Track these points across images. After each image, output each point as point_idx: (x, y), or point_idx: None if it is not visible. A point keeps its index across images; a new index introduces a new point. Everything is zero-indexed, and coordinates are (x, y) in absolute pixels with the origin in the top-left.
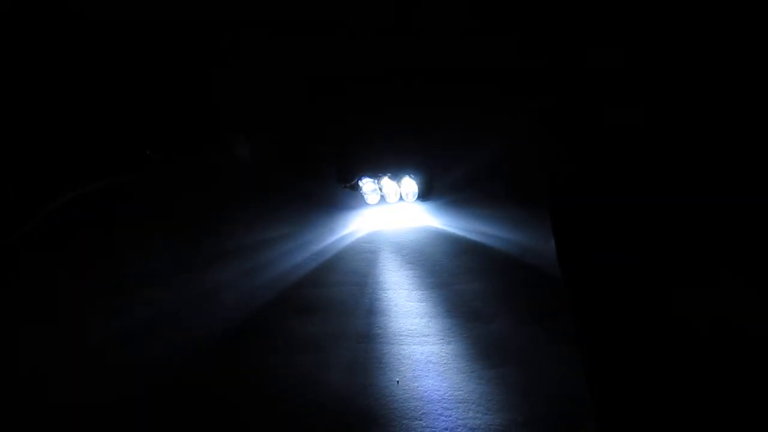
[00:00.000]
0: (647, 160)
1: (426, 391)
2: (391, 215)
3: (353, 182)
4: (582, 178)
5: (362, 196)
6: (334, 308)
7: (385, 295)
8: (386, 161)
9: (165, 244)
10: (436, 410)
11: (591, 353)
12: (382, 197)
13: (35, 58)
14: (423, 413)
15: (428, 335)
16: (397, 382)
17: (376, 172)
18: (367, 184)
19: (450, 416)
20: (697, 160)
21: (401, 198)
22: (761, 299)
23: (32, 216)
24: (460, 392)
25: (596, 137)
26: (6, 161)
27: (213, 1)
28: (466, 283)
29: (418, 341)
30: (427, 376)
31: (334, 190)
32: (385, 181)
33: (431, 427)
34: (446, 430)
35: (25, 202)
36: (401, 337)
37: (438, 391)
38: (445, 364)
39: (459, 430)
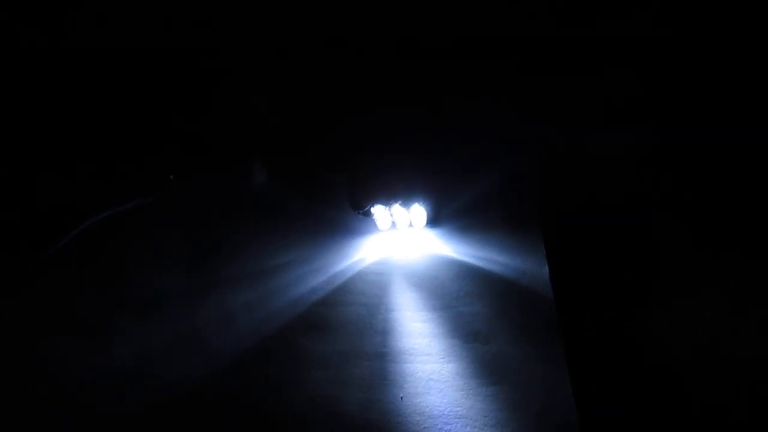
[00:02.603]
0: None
1: (428, 407)
2: (401, 241)
3: (366, 209)
4: (573, 200)
5: (374, 222)
6: (344, 328)
7: (391, 316)
8: (397, 189)
9: (186, 266)
10: (437, 425)
11: (578, 371)
12: (393, 223)
13: (60, 84)
14: (425, 427)
15: (430, 354)
16: (401, 398)
17: (387, 200)
18: (379, 211)
19: (450, 431)
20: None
21: (411, 224)
22: (748, 319)
23: (60, 237)
24: (459, 408)
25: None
26: (32, 184)
27: (223, 27)
28: (466, 305)
29: (420, 360)
30: (428, 393)
31: (347, 215)
32: (396, 208)
33: None
34: None
35: (52, 223)
36: (405, 356)
37: (439, 407)
38: (445, 381)
39: None
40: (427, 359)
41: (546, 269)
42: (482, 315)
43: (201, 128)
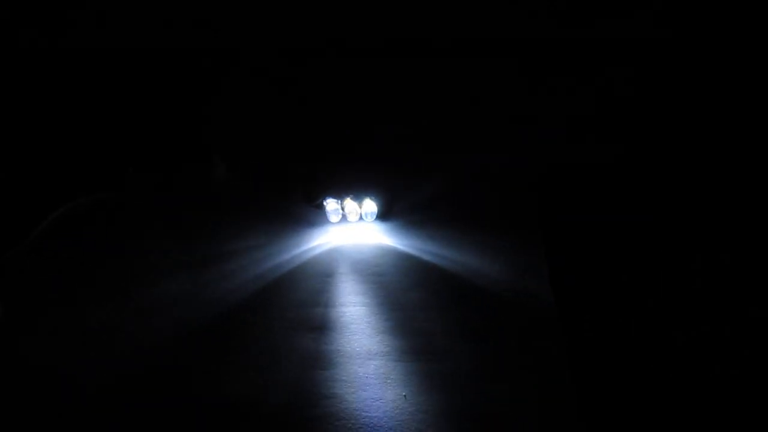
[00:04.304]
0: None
1: (431, 405)
2: (351, 233)
3: (318, 202)
4: (572, 202)
5: (326, 215)
6: (346, 328)
7: (393, 315)
8: (349, 184)
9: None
10: (440, 423)
11: (579, 370)
12: (344, 216)
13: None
14: (428, 425)
15: (433, 353)
16: (405, 396)
17: (339, 193)
18: (330, 204)
19: (452, 428)
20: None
21: (361, 218)
22: (747, 320)
23: (33, 227)
24: (463, 406)
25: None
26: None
27: (189, 28)
28: (467, 305)
29: (423, 359)
30: (431, 391)
31: (301, 207)
32: (348, 201)
33: None
34: None
35: (24, 213)
36: (408, 355)
37: (442, 405)
38: (448, 380)
39: None
40: (429, 358)
41: (546, 269)
42: (484, 314)
43: (163, 126)
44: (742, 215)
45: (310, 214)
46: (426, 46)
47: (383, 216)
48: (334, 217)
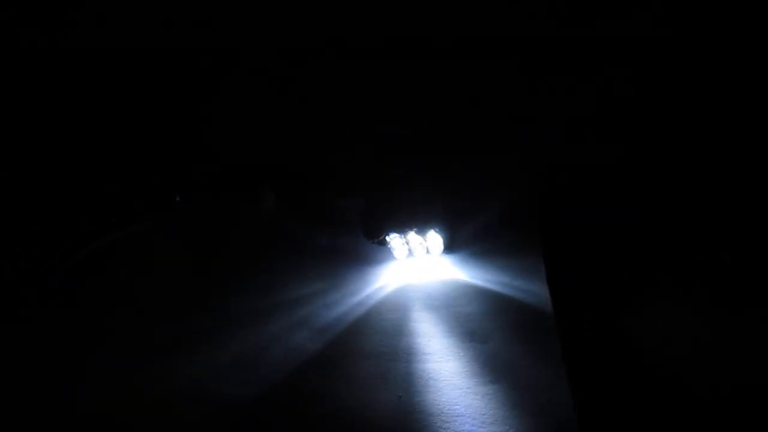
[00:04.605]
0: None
1: (426, 406)
2: (419, 268)
3: (381, 237)
4: (571, 197)
5: (390, 251)
6: (344, 328)
7: (390, 316)
8: (411, 216)
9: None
10: (435, 423)
11: (576, 370)
12: (410, 251)
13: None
14: (423, 426)
15: (428, 354)
16: (400, 397)
17: (402, 228)
18: (394, 239)
19: (448, 429)
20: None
21: (428, 251)
22: (746, 320)
23: (63, 261)
24: (458, 407)
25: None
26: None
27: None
28: (464, 305)
29: (419, 359)
30: (427, 391)
31: (361, 244)
32: (411, 235)
33: None
34: None
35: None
36: (404, 356)
37: (437, 405)
38: (443, 380)
39: None
40: (425, 358)
41: (543, 270)
42: (479, 314)
43: (207, 153)
44: (742, 215)
45: (374, 251)
46: (426, 46)
47: (449, 248)
48: (399, 253)
